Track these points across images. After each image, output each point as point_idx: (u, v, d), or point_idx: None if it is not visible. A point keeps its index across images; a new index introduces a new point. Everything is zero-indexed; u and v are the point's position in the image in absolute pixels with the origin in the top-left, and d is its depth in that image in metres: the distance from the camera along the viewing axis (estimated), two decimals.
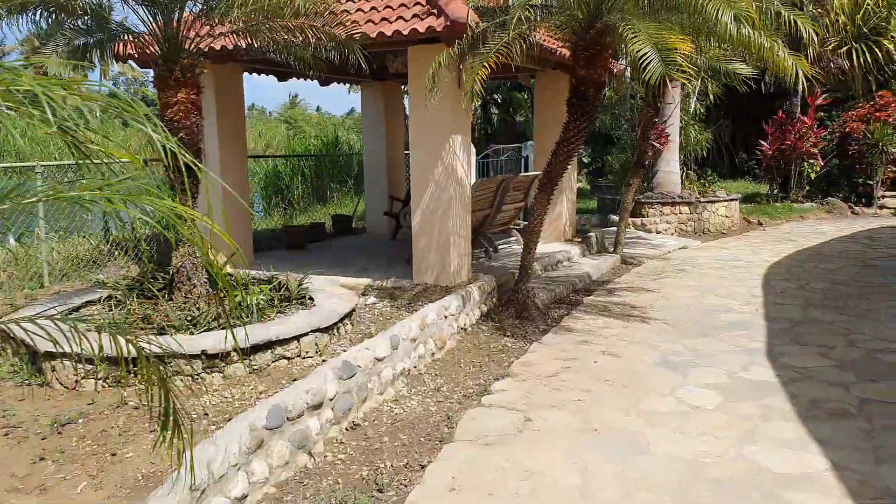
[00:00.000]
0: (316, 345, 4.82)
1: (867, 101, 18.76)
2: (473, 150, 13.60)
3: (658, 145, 11.61)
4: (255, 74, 8.50)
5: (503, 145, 19.28)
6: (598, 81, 6.27)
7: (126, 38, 5.34)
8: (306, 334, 4.75)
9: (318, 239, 9.97)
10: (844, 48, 18.23)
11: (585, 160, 21.73)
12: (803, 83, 6.64)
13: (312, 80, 9.69)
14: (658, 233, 11.85)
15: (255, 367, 4.47)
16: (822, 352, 5.50)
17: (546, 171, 6.79)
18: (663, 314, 6.77)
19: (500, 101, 21.78)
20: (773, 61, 7.35)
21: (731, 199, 12.49)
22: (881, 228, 12.29)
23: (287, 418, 3.68)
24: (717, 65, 9.15)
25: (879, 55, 18.56)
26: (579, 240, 9.96)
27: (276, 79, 9.15)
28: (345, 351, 4.70)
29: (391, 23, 6.11)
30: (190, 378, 4.27)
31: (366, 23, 6.27)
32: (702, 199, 12.12)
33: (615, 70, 9.90)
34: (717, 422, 4.21)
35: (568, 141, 6.56)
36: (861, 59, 18.46)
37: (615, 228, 10.33)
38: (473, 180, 10.04)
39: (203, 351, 4.25)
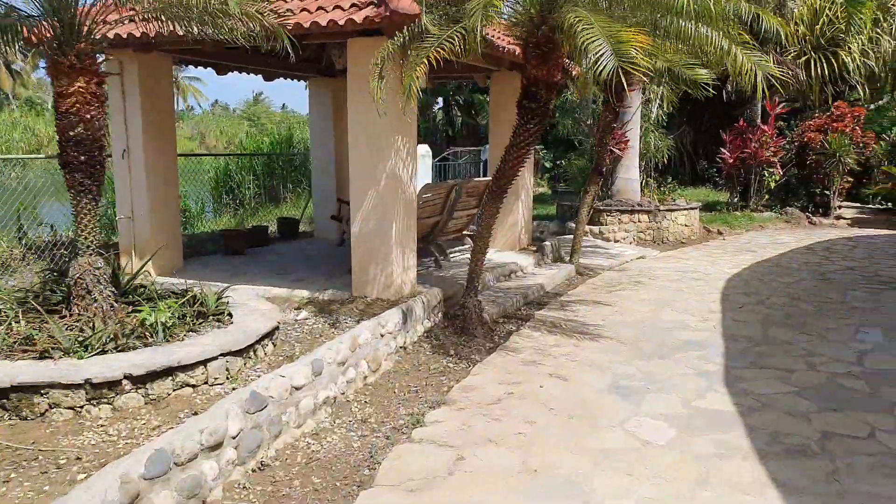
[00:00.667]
0: (227, 370, 4.29)
1: (823, 111, 18.85)
2: (429, 152, 13.14)
3: (617, 151, 11.29)
4: (195, 67, 7.91)
5: (462, 148, 18.90)
6: (551, 82, 5.85)
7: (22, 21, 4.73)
8: (215, 358, 4.22)
9: (261, 243, 9.39)
10: (803, 58, 18.28)
11: (547, 165, 21.45)
12: (764, 89, 6.32)
13: (255, 74, 9.12)
14: (616, 241, 11.54)
15: (153, 397, 3.92)
16: (782, 376, 5.16)
17: (496, 176, 6.35)
18: (617, 331, 6.38)
19: (461, 102, 21.37)
20: (730, 63, 7.05)
21: (691, 208, 12.25)
22: (838, 240, 12.17)
23: (175, 463, 3.14)
24: (676, 69, 8.84)
25: (836, 66, 18.67)
26: (535, 248, 9.57)
27: (228, 73, 8.57)
28: (260, 377, 4.18)
29: (328, 12, 5.60)
30: (72, 411, 3.70)
31: (301, 11, 5.75)
32: (661, 208, 11.85)
33: (574, 72, 9.54)
34: (670, 461, 3.80)
35: (518, 145, 6.13)
36: (819, 70, 18.54)
37: (572, 236, 9.95)
38: (425, 183, 9.56)
39: (87, 380, 3.69)
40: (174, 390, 4.02)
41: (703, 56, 8.20)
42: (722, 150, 15.21)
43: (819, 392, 4.83)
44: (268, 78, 9.43)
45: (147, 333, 4.39)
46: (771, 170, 14.77)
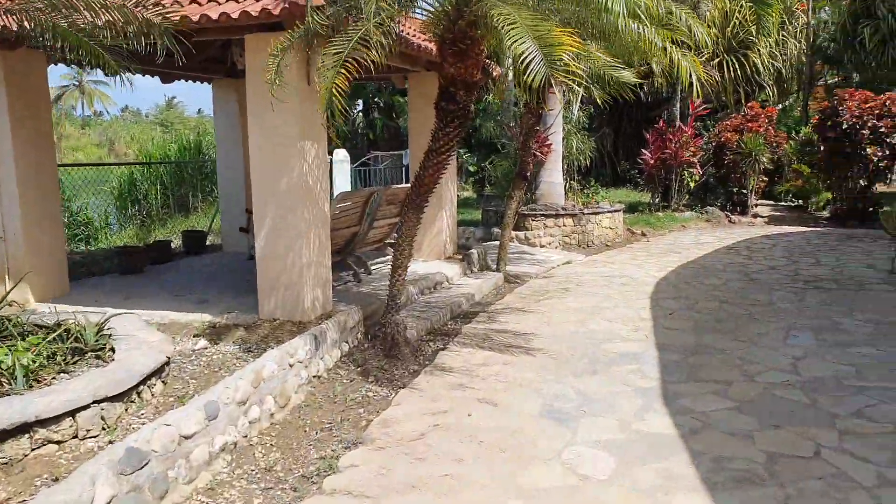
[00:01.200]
0: (102, 419, 3.65)
1: (736, 112, 19.36)
2: (347, 157, 12.57)
3: (540, 155, 11.04)
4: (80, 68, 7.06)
5: (383, 152, 18.37)
6: (470, 81, 5.45)
7: None
8: (87, 406, 3.57)
9: (163, 260, 8.60)
10: (716, 60, 18.71)
11: (471, 168, 21.18)
12: (685, 90, 6.12)
13: (151, 76, 8.34)
14: (542, 247, 11.29)
15: (5, 460, 3.25)
16: (720, 390, 4.91)
17: (415, 184, 5.90)
18: (547, 344, 6.03)
19: (382, 105, 20.83)
20: (664, 63, 6.91)
21: (615, 211, 12.16)
22: (757, 238, 12.34)
23: None
24: (601, 71, 8.63)
25: (748, 68, 19.22)
26: (461, 257, 9.16)
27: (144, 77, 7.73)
28: (143, 426, 3.56)
29: (220, 4, 5.00)
30: None
31: (190, 4, 5.12)
32: (585, 211, 11.69)
33: (494, 73, 9.21)
34: (612, 498, 3.43)
35: (437, 150, 5.70)
36: (731, 72, 19.03)
37: (499, 243, 9.59)
38: (341, 192, 9.04)
39: None
40: (33, 450, 3.36)
41: (636, 54, 8.03)
42: (643, 151, 15.29)
43: (758, 406, 4.59)
44: (165, 80, 8.66)
45: (3, 380, 3.69)
46: (691, 170, 14.94)
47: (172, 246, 9.36)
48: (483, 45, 5.47)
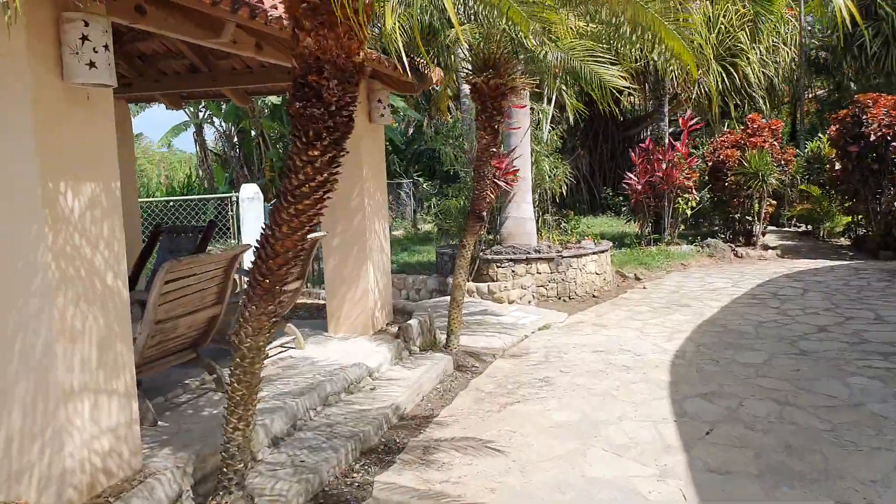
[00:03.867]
0: None
1: (726, 126, 17.12)
2: (259, 194, 9.91)
3: (504, 184, 8.52)
4: None
5: None
6: (344, 64, 2.88)
7: None
8: None
9: None
10: (701, 69, 16.51)
11: (434, 200, 18.68)
12: (691, 97, 3.63)
13: None
14: (511, 302, 8.69)
15: None
16: None
17: (261, 255, 3.25)
18: None
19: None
20: (667, 47, 4.79)
21: (602, 251, 9.63)
22: (780, 279, 9.88)
23: None
24: (578, 63, 6.15)
25: (737, 77, 17.04)
26: (396, 330, 6.53)
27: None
28: None
29: None
30: None
31: None
32: (565, 254, 9.15)
33: (435, 78, 6.68)
34: None
35: (297, 191, 3.10)
36: (719, 82, 16.84)
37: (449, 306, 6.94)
38: (171, 260, 6.50)
39: None
40: None
41: (623, 40, 5.65)
42: (628, 174, 12.88)
43: None
44: None
45: None
46: (686, 195, 12.54)
47: None
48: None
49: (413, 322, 6.58)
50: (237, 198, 9.39)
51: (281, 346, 6.17)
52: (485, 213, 6.40)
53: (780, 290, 9.02)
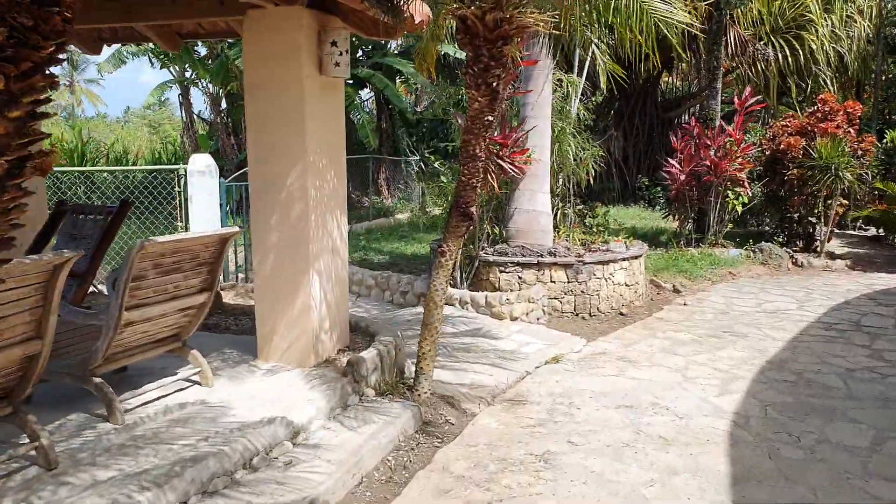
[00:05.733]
0: None
1: (789, 108, 14.96)
2: (213, 167, 8.11)
3: (511, 168, 6.62)
4: None
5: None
6: None
7: None
8: None
9: None
10: (759, 43, 14.31)
11: (444, 181, 16.76)
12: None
13: None
14: (514, 319, 6.83)
15: None
16: None
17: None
18: None
19: None
20: None
21: (634, 256, 7.69)
22: (858, 301, 7.87)
23: None
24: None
25: (801, 53, 14.80)
26: (346, 361, 4.72)
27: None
28: None
29: None
30: None
31: None
32: (587, 259, 7.24)
33: (413, 14, 4.77)
34: None
35: None
36: (779, 58, 14.62)
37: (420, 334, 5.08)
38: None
39: None
40: None
41: None
42: (669, 161, 10.85)
43: None
44: None
45: None
46: (737, 189, 10.50)
47: None
48: None
49: (368, 354, 4.75)
50: (184, 171, 7.62)
51: (184, 379, 4.42)
52: (473, 210, 4.51)
53: (865, 319, 7.02)
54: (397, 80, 18.09)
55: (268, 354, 4.90)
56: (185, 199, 7.64)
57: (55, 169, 11.97)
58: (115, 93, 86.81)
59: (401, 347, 5.14)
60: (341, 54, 4.67)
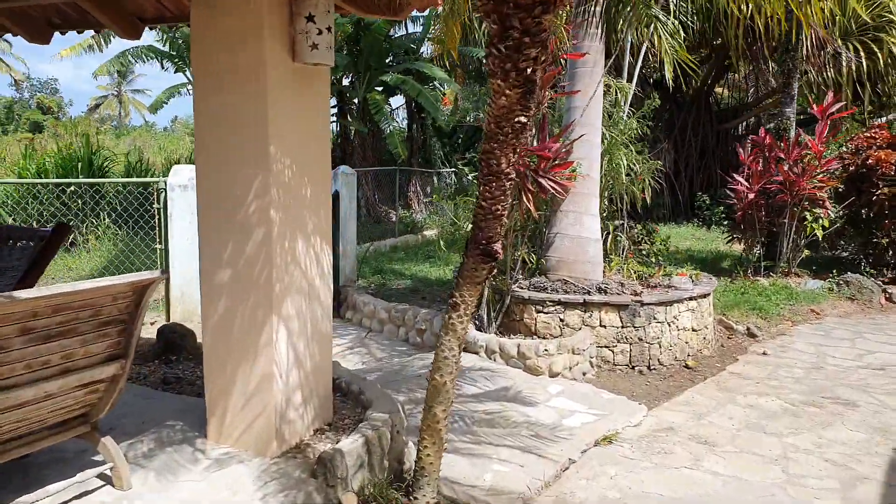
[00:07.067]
0: None
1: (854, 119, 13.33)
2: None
3: (554, 188, 5.27)
4: None
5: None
6: None
7: None
8: None
9: None
10: (828, 48, 12.72)
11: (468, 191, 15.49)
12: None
13: None
14: (554, 375, 5.45)
15: None
16: None
17: None
18: None
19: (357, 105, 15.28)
20: None
21: (703, 295, 6.26)
22: None
23: None
24: None
25: (880, 58, 13.13)
26: (318, 458, 3.42)
27: None
28: None
29: None
30: None
31: None
32: (646, 298, 5.83)
33: None
34: None
35: None
36: (853, 64, 12.99)
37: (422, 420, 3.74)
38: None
39: None
40: None
41: None
42: (734, 177, 9.36)
43: None
44: None
45: None
46: (816, 210, 8.96)
47: None
48: None
49: (351, 445, 3.44)
50: (165, 184, 6.46)
51: (98, 475, 3.19)
52: (498, 246, 3.20)
53: None
54: (427, 87, 16.90)
55: (219, 434, 3.65)
56: (165, 217, 6.48)
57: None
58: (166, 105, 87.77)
59: (400, 428, 3.83)
60: (320, 33, 3.42)
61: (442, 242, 7.36)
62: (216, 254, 3.53)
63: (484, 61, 13.72)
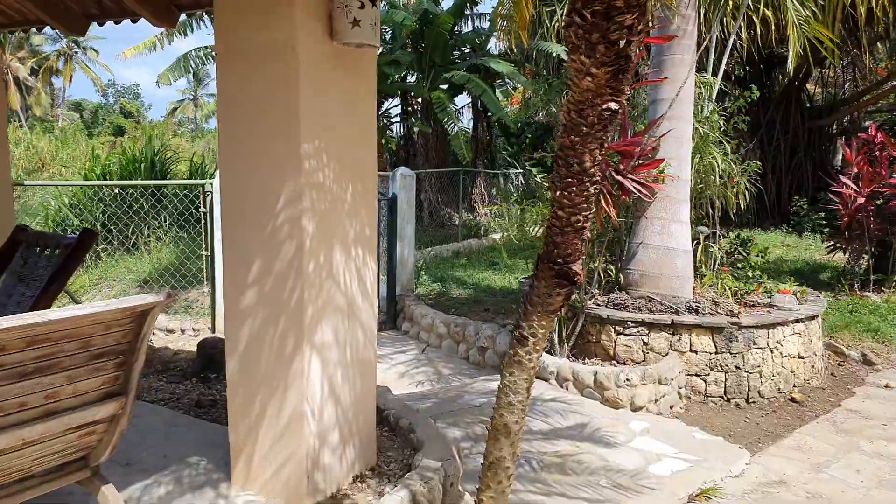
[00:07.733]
0: None
1: None
2: None
3: (637, 190, 4.56)
4: None
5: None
6: None
7: None
8: None
9: None
10: None
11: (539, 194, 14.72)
12: None
13: None
14: (637, 409, 4.72)
15: None
16: None
17: None
18: None
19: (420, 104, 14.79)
20: None
21: (810, 317, 5.38)
22: None
23: None
24: None
25: None
26: (368, 499, 2.86)
27: None
28: None
29: None
30: None
31: None
32: (744, 321, 5.02)
33: None
34: None
35: None
36: None
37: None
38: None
39: None
40: None
41: None
42: (840, 179, 8.34)
43: None
44: None
45: None
46: None
47: None
48: None
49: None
50: (212, 186, 6.06)
51: None
52: (578, 267, 2.55)
53: None
54: (496, 86, 16.24)
55: (245, 478, 3.13)
56: (211, 222, 6.09)
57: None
58: None
59: (455, 479, 3.22)
60: (362, 6, 2.84)
61: (505, 253, 6.73)
62: (240, 271, 3.00)
63: (556, 55, 12.94)
